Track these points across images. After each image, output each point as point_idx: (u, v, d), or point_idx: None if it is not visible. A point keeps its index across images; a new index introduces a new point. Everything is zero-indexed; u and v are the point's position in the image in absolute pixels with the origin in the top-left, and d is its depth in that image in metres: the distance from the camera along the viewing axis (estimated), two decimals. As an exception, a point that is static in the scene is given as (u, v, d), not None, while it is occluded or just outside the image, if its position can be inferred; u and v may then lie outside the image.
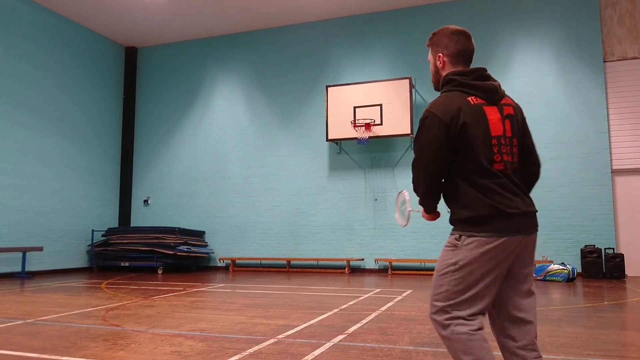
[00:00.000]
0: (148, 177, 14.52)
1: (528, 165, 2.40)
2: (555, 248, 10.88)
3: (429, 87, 12.15)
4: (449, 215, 2.37)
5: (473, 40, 2.44)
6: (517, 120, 2.34)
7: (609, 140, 10.85)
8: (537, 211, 2.31)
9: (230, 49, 14.09)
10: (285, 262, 12.71)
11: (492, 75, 2.40)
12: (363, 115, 11.77)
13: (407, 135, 11.52)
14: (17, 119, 11.58)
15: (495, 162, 2.22)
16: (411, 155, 12.06)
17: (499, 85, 2.35)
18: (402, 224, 2.89)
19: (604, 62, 11.08)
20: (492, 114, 2.27)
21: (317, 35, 13.28)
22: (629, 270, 10.56)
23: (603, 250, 10.40)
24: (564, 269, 9.66)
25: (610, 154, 10.83)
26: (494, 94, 2.31)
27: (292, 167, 13.07)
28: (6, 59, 11.39)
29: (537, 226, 2.31)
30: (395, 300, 6.99)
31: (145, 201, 14.39)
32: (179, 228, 12.71)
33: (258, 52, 13.80)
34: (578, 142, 10.99)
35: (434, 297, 2.28)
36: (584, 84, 11.08)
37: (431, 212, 2.46)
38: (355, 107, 11.88)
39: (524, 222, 2.22)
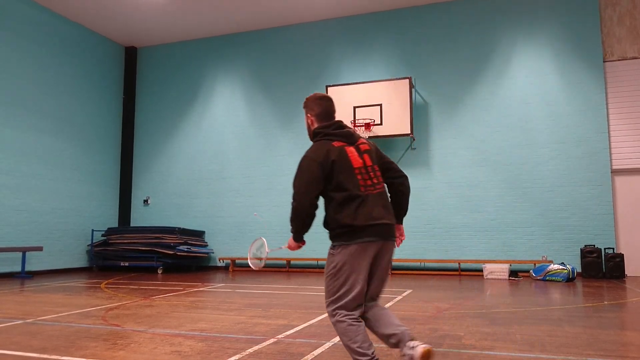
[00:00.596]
0: (148, 177, 14.53)
1: (390, 176, 3.19)
2: (555, 248, 10.88)
3: (429, 87, 12.16)
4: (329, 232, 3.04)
5: (333, 102, 3.33)
6: (373, 152, 3.14)
7: (609, 140, 10.85)
8: (394, 223, 3.07)
9: (230, 49, 14.09)
10: (285, 262, 12.72)
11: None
12: (363, 115, 11.77)
13: (407, 135, 11.52)
14: (17, 119, 11.58)
15: (360, 187, 2.97)
16: (412, 155, 12.06)
17: (354, 131, 3.21)
18: (256, 268, 3.71)
19: (604, 62, 11.08)
20: (352, 152, 3.06)
21: (317, 35, 13.28)
22: (628, 270, 10.56)
23: (603, 250, 10.40)
24: (563, 269, 9.66)
25: (610, 154, 10.82)
26: (351, 137, 3.13)
27: (292, 167, 13.02)
28: (6, 59, 11.39)
29: (394, 235, 3.09)
30: (395, 300, 6.99)
31: (145, 201, 14.39)
32: (179, 228, 12.71)
33: (258, 52, 13.80)
34: (578, 142, 10.99)
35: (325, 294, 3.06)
36: (584, 84, 11.08)
37: (300, 240, 3.16)
38: (355, 107, 11.88)
39: (383, 230, 2.97)
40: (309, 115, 3.33)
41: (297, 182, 3.02)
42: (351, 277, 2.92)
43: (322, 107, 3.28)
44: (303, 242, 3.18)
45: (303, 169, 3.02)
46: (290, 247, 3.20)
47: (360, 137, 3.22)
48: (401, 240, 3.28)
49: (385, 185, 3.16)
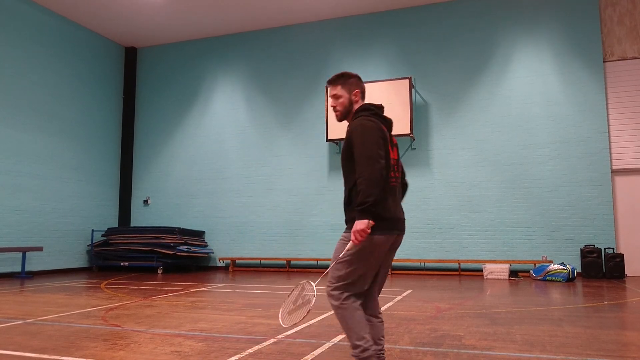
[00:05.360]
0: (148, 177, 14.52)
1: (403, 177, 3.21)
2: (555, 248, 10.88)
3: (429, 87, 12.16)
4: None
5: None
6: (398, 148, 3.10)
7: (609, 140, 10.85)
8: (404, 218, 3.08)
9: (230, 49, 14.09)
10: (285, 262, 12.71)
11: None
12: (363, 115, 11.75)
13: (407, 135, 11.52)
14: (17, 119, 11.58)
15: (391, 178, 2.89)
16: (412, 155, 12.05)
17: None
18: (287, 324, 2.88)
19: (604, 62, 11.08)
20: (390, 142, 2.97)
21: (317, 35, 13.28)
22: (628, 270, 10.56)
23: (603, 250, 10.40)
24: (563, 268, 9.66)
25: (610, 154, 10.83)
26: (391, 129, 3.04)
27: (292, 167, 13.07)
28: (6, 59, 11.39)
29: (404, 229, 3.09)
30: (395, 300, 6.99)
31: (145, 201, 14.39)
32: (179, 228, 12.71)
33: (258, 52, 13.80)
34: (578, 142, 10.99)
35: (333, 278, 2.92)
36: (584, 84, 11.08)
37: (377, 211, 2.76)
38: (355, 107, 11.85)
39: (402, 224, 3.01)
40: (357, 91, 3.05)
41: (363, 147, 2.74)
42: (367, 268, 2.90)
43: (363, 86, 3.11)
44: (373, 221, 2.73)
45: (366, 133, 2.78)
46: (361, 233, 2.70)
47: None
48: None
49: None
